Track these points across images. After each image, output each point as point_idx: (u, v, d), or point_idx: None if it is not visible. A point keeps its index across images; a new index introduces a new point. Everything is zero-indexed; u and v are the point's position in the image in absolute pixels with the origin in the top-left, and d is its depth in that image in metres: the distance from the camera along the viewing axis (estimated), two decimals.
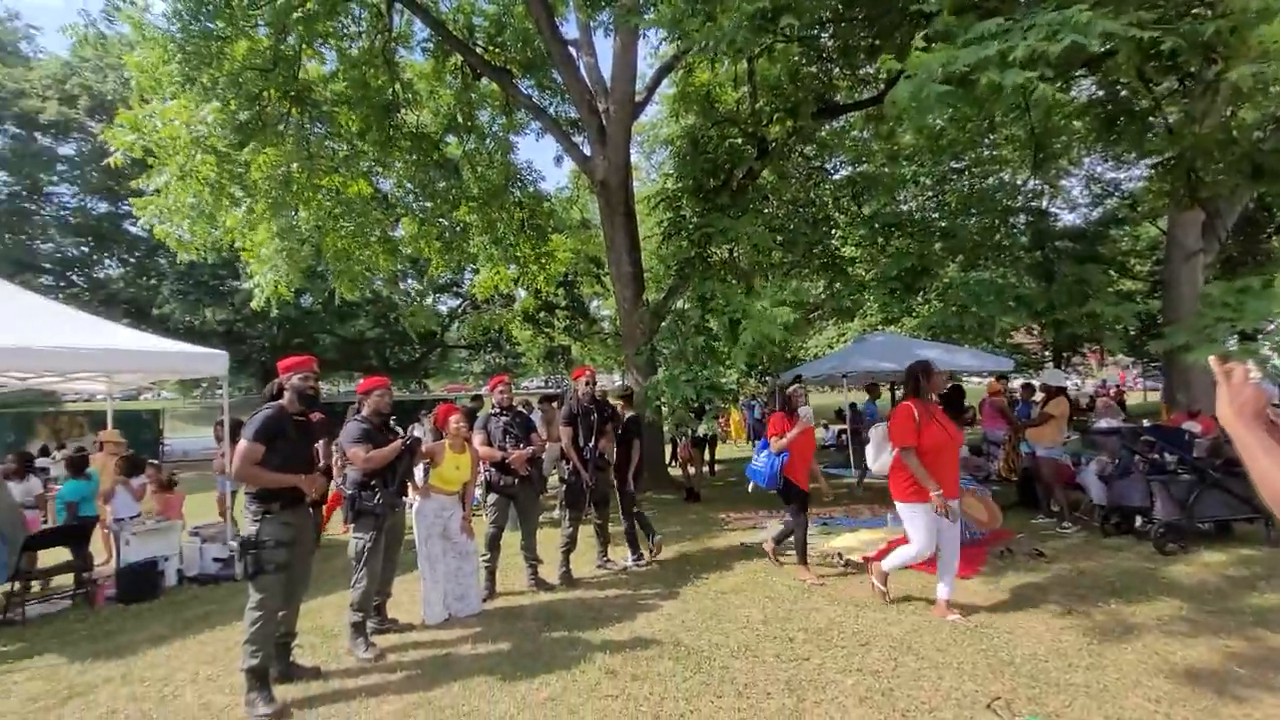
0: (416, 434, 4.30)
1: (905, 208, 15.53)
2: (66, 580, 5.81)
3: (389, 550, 4.32)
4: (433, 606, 4.53)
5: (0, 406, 20.16)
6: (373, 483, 4.13)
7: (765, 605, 4.71)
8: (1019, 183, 17.53)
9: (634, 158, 12.54)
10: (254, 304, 8.60)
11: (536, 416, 8.33)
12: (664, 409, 7.02)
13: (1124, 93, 6.39)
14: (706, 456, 11.69)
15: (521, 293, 17.91)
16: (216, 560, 6.17)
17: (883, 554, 5.82)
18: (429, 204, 11.18)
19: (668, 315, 9.86)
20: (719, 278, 8.86)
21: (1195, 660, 3.61)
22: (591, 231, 19.17)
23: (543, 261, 13.31)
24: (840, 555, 5.82)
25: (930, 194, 16.44)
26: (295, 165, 8.29)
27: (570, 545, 5.42)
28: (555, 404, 9.18)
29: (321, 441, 4.25)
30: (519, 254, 12.57)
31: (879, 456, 5.18)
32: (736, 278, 10.08)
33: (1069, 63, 4.56)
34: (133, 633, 4.74)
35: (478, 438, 5.11)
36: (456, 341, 32.08)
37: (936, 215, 15.50)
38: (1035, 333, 19.72)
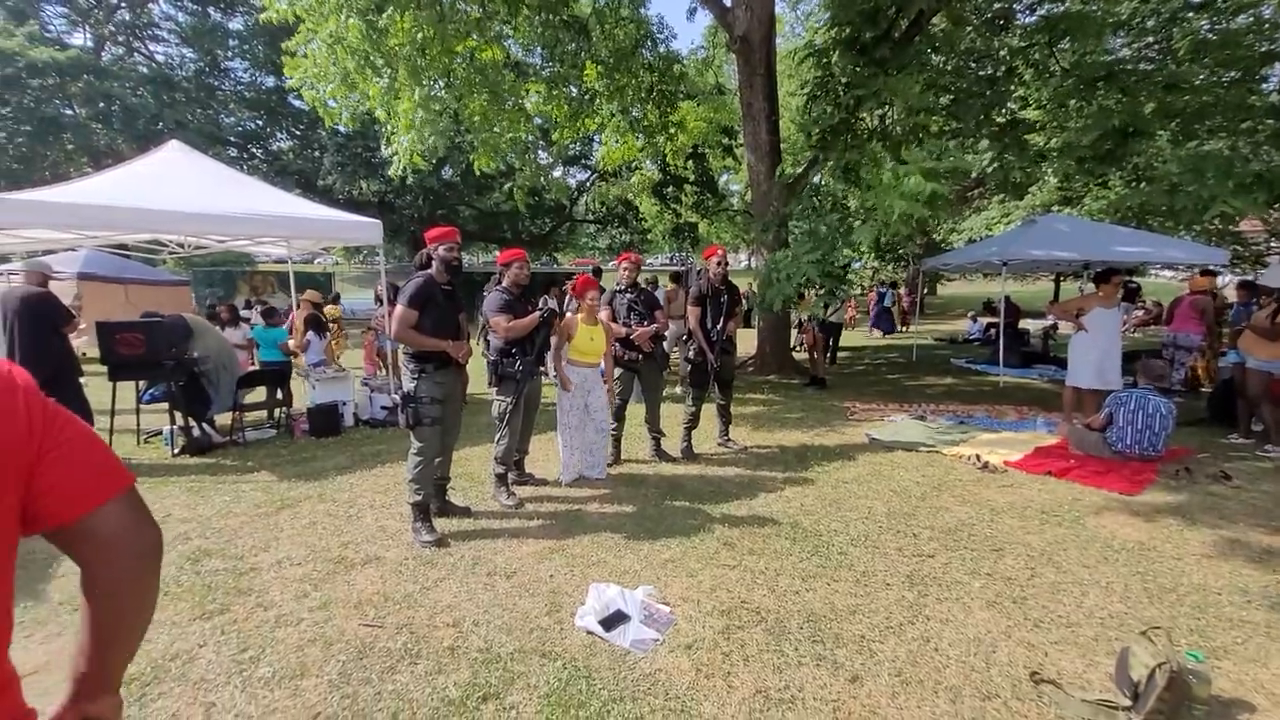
0: (552, 305, 4.43)
1: (1116, 57, 12.59)
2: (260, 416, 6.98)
3: (527, 412, 4.65)
4: (569, 469, 4.90)
5: (210, 265, 23.68)
6: (513, 350, 4.37)
7: (889, 499, 4.60)
8: None
9: (777, 8, 11.04)
10: (391, 171, 8.92)
11: (661, 293, 8.26)
12: (786, 287, 6.64)
13: None
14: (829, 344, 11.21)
15: (650, 164, 17.28)
16: (384, 409, 7.06)
17: (1027, 460, 5.40)
18: (557, 67, 10.77)
19: (804, 190, 9.08)
20: (866, 147, 7.86)
21: None
22: (725, 97, 17.71)
23: (671, 131, 12.62)
24: (978, 458, 5.48)
25: (1153, 39, 13.16)
26: (430, 30, 8.21)
27: (693, 422, 5.54)
28: (680, 283, 9.06)
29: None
30: (647, 122, 11.97)
31: None
32: (887, 148, 8.92)
33: None
34: (323, 460, 5.67)
35: (603, 313, 5.20)
36: (584, 216, 31.79)
37: (1155, 68, 12.47)
38: (1269, 220, 16.11)
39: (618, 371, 5.28)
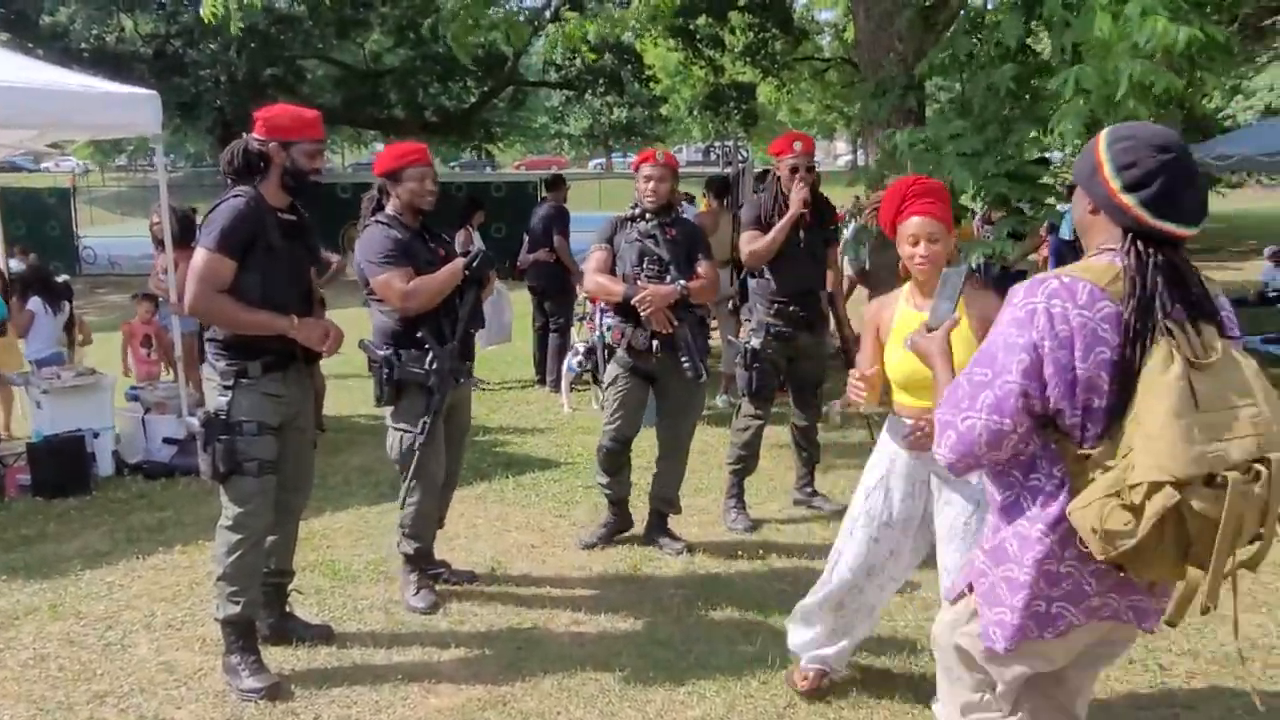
0: (480, 245, 2.55)
1: None
2: None
3: (450, 449, 2.76)
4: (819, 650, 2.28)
5: None
6: (419, 333, 2.55)
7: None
8: None
9: None
10: (204, 8, 4.96)
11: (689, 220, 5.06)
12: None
13: None
14: None
15: None
16: (169, 442, 4.38)
17: None
18: None
19: (952, 23, 5.31)
20: None
21: None
22: None
23: None
24: None
25: None
26: None
27: (746, 461, 3.42)
28: (723, 200, 5.57)
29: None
30: None
31: None
32: None
33: None
34: (59, 542, 3.54)
35: (594, 258, 3.16)
36: (541, 77, 17.74)
37: None
38: None
39: (613, 371, 3.21)
